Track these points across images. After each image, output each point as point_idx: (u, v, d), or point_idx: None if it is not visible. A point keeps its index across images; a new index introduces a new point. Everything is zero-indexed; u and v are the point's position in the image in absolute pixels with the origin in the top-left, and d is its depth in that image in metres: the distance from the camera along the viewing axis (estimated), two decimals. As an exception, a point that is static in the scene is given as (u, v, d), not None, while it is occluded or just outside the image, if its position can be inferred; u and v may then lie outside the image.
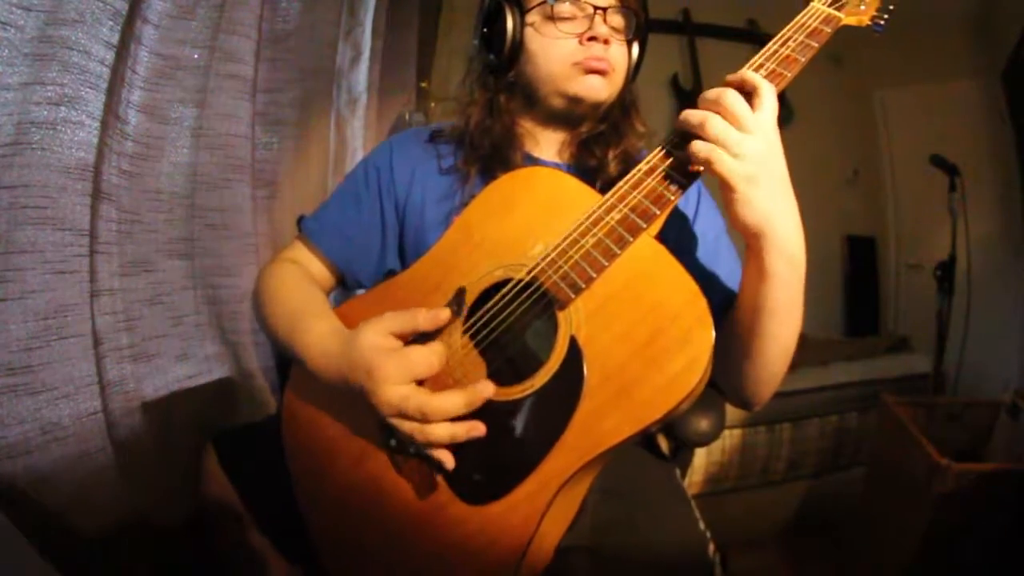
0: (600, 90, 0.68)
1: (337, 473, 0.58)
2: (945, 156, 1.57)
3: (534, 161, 0.73)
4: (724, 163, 0.48)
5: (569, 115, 0.71)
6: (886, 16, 0.62)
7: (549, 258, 0.52)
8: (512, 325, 0.54)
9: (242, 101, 0.88)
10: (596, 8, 0.66)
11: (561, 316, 0.51)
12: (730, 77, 0.53)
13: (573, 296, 0.50)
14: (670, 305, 0.47)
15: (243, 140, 0.89)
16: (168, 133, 0.83)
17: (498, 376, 0.53)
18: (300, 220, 0.76)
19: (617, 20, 0.69)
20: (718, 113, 0.50)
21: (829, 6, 0.59)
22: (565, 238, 0.53)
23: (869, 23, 0.62)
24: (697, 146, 0.50)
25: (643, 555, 0.57)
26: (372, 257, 0.73)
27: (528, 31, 0.69)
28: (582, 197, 0.55)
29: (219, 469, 0.66)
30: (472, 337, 0.55)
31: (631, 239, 0.50)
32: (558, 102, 0.70)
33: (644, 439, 0.83)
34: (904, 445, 1.27)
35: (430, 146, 0.75)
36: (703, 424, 0.79)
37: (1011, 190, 2.01)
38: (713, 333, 0.45)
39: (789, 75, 0.54)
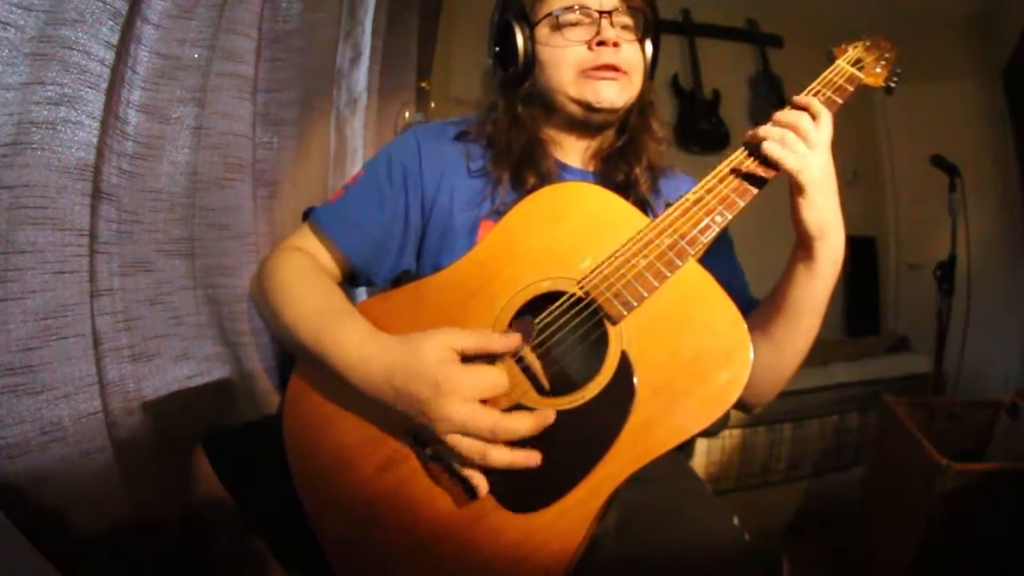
0: (615, 95, 0.68)
1: (357, 481, 0.56)
2: (945, 156, 1.57)
3: (563, 167, 0.73)
4: (804, 168, 0.56)
5: (588, 122, 0.71)
6: (895, 80, 0.72)
7: (602, 274, 0.55)
8: (563, 338, 0.56)
9: (243, 101, 0.88)
10: (601, 12, 0.66)
11: (612, 331, 0.53)
12: (796, 99, 0.61)
13: (625, 313, 0.53)
14: (715, 327, 0.52)
15: (243, 140, 0.89)
16: (168, 133, 0.83)
17: (545, 387, 0.54)
18: (310, 211, 0.74)
19: (625, 21, 0.69)
20: (791, 130, 0.57)
21: (852, 65, 0.68)
22: (617, 256, 0.55)
23: (883, 84, 0.71)
24: (775, 149, 0.56)
25: (674, 534, 0.56)
26: (390, 256, 0.71)
27: (539, 44, 0.69)
28: (629, 217, 0.59)
29: (210, 470, 0.65)
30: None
31: (680, 263, 0.54)
32: (575, 109, 0.69)
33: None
34: (904, 445, 1.27)
35: (458, 145, 0.74)
36: None
37: (1011, 190, 2.02)
38: (752, 355, 0.50)
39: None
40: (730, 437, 1.71)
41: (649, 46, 0.72)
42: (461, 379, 0.50)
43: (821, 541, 1.61)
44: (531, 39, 0.69)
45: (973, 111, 2.15)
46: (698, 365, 0.50)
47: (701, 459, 1.67)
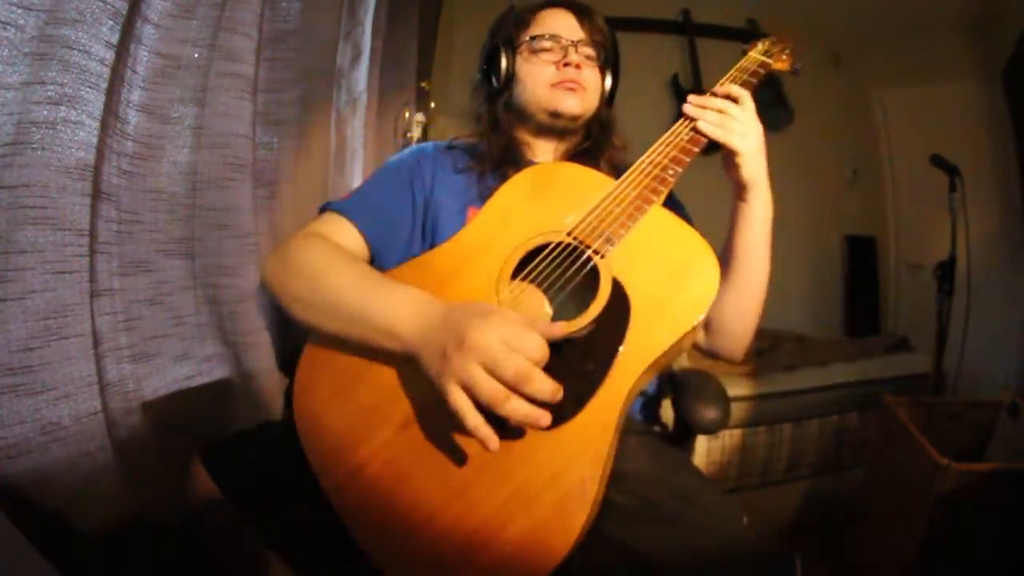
0: (574, 105, 0.83)
1: (380, 444, 0.57)
2: (945, 156, 1.57)
3: (535, 164, 0.85)
4: (737, 140, 0.70)
5: (553, 127, 0.86)
6: (799, 64, 0.88)
7: (586, 221, 0.66)
8: (557, 278, 0.64)
9: (243, 100, 0.88)
10: (569, 41, 0.84)
11: (602, 264, 0.63)
12: (717, 89, 0.77)
13: (611, 248, 0.63)
14: (685, 247, 0.64)
15: (243, 139, 0.89)
16: (168, 133, 0.83)
17: (551, 316, 0.62)
18: (325, 206, 0.79)
19: (587, 52, 0.86)
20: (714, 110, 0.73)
21: (762, 54, 0.86)
22: (596, 207, 0.67)
23: (789, 69, 0.88)
24: (709, 125, 0.71)
25: (685, 534, 0.57)
26: (402, 241, 0.81)
27: (518, 63, 0.86)
28: (600, 181, 0.72)
29: (208, 480, 0.65)
30: (525, 287, 0.63)
31: (647, 207, 0.66)
32: (543, 117, 0.85)
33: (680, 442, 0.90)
34: (904, 445, 1.27)
35: (448, 152, 0.89)
36: (711, 412, 0.84)
37: (1011, 190, 2.02)
38: (716, 260, 0.62)
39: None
40: (730, 437, 1.71)
41: (609, 79, 0.89)
42: (513, 326, 0.52)
43: (821, 541, 1.61)
44: (513, 60, 0.86)
45: (973, 111, 2.15)
46: (678, 274, 0.62)
47: (701, 459, 1.67)
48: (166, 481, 0.76)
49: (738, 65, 0.83)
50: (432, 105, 1.89)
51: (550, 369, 0.52)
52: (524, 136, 0.89)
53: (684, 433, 0.90)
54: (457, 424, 0.51)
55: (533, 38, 0.85)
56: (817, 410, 1.79)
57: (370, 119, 1.47)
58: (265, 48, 0.96)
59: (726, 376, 1.62)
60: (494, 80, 0.87)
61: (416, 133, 1.64)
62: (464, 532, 0.52)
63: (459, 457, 0.54)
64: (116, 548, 0.69)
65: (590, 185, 0.71)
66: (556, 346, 0.54)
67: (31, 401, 0.60)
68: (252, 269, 0.91)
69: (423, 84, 1.88)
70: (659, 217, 0.66)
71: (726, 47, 2.48)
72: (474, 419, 0.50)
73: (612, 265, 0.62)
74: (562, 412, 0.52)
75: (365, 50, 1.42)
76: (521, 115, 0.87)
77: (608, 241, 0.64)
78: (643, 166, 0.71)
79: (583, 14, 0.86)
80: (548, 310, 0.63)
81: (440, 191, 0.83)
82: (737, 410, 1.68)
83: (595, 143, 0.88)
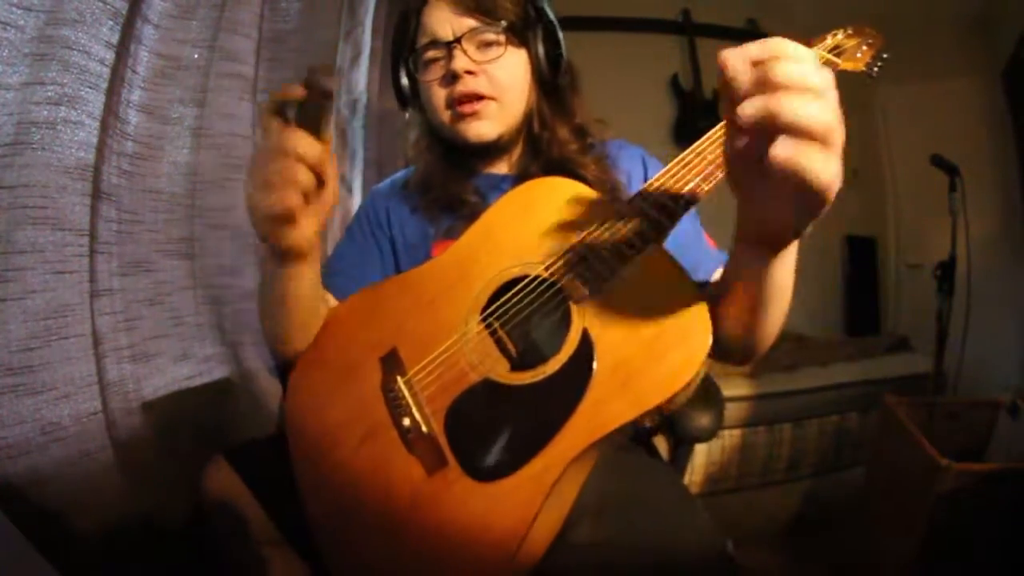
0: (485, 128, 0.68)
1: (340, 456, 0.58)
2: (945, 156, 1.57)
3: (489, 177, 0.76)
4: (830, 181, 0.37)
5: (481, 153, 0.72)
6: (880, 64, 0.67)
7: (566, 257, 0.56)
8: (528, 317, 0.57)
9: (243, 101, 0.88)
10: (449, 43, 0.65)
11: (575, 310, 0.55)
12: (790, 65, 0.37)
13: (587, 293, 0.54)
14: (674, 306, 0.51)
15: (244, 140, 0.89)
16: (168, 133, 0.83)
17: (511, 363, 0.56)
18: None
19: (485, 38, 0.66)
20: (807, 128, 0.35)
21: (829, 52, 0.64)
22: (581, 240, 0.57)
23: (864, 68, 0.66)
24: (797, 158, 0.35)
25: (655, 557, 0.56)
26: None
27: (420, 84, 0.70)
28: (596, 206, 0.60)
29: (226, 479, 0.63)
30: (488, 326, 0.58)
31: (641, 247, 0.54)
32: (461, 146, 0.70)
33: (644, 443, 0.84)
34: (904, 445, 1.27)
35: (402, 194, 0.78)
36: (704, 420, 0.81)
37: (1011, 190, 2.02)
38: (711, 337, 0.49)
39: None
40: (730, 437, 1.71)
41: (540, 48, 0.69)
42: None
43: (821, 541, 1.61)
44: (411, 77, 0.71)
45: (973, 111, 2.15)
46: (656, 344, 0.51)
47: (701, 459, 1.67)
48: (166, 481, 0.76)
49: None
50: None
51: (499, 416, 0.53)
52: (465, 160, 0.75)
53: (679, 442, 0.88)
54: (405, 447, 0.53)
55: (418, 49, 0.69)
56: (817, 410, 1.78)
57: (370, 119, 1.47)
58: (265, 48, 0.97)
59: (725, 376, 1.62)
60: (400, 104, 0.75)
61: (415, 133, 1.63)
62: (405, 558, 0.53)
63: (404, 485, 0.54)
64: (116, 548, 0.69)
65: (586, 209, 0.60)
66: (508, 393, 0.54)
67: (31, 401, 0.60)
68: (252, 269, 0.91)
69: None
70: (656, 262, 0.54)
71: (726, 47, 2.49)
72: None
73: (586, 313, 0.54)
74: (499, 466, 0.52)
75: (365, 50, 1.42)
76: (448, 142, 0.73)
77: (586, 284, 0.54)
78: (653, 190, 0.56)
79: None
80: (510, 352, 0.57)
81: (401, 234, 0.76)
82: (737, 410, 1.68)
83: (533, 145, 0.73)
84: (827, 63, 0.62)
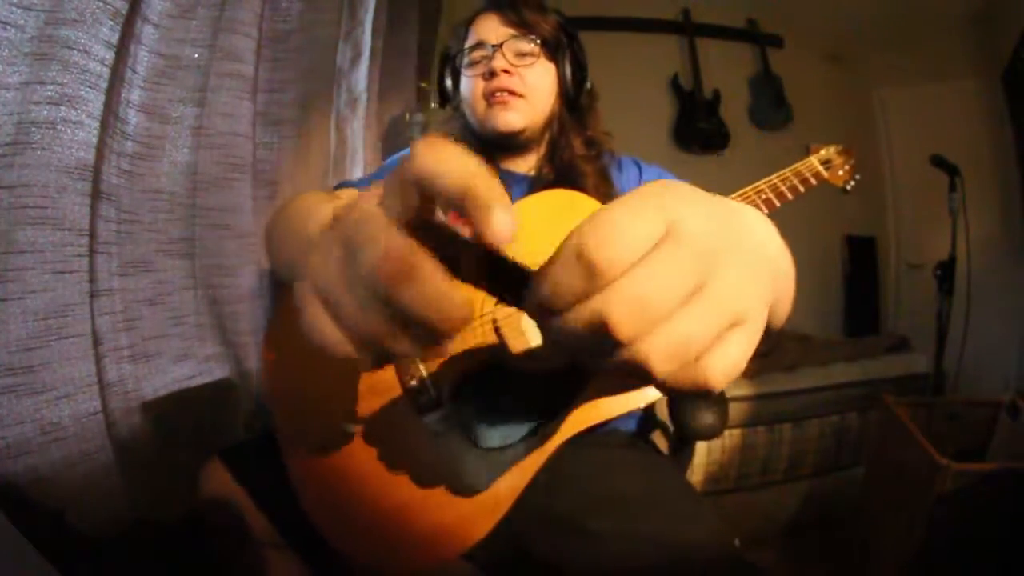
0: (512, 120, 0.76)
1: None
2: (945, 156, 1.57)
3: (507, 173, 0.82)
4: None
5: (508, 144, 0.80)
6: (853, 182, 0.80)
7: None
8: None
9: (242, 100, 0.88)
10: (494, 46, 0.76)
11: None
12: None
13: None
14: None
15: (243, 139, 0.89)
16: (168, 133, 0.83)
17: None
18: (340, 184, 0.83)
19: (521, 48, 0.77)
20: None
21: (821, 164, 0.76)
22: None
23: (842, 184, 0.80)
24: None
25: (667, 551, 0.56)
26: None
27: (462, 80, 0.81)
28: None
29: (211, 481, 0.65)
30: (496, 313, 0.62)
31: None
32: (491, 136, 0.79)
33: (647, 441, 0.85)
34: (904, 445, 1.27)
35: None
36: (708, 418, 0.81)
37: (1011, 190, 2.01)
38: None
39: (777, 205, 0.69)
40: (730, 437, 1.71)
41: (568, 68, 0.79)
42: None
43: (821, 541, 1.61)
44: (456, 76, 0.81)
45: (973, 111, 2.15)
46: None
47: (701, 459, 1.67)
48: (166, 481, 0.76)
49: (794, 167, 0.74)
50: (432, 105, 1.89)
51: (502, 401, 0.56)
52: (492, 154, 0.82)
53: (681, 440, 0.88)
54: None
55: (463, 51, 0.80)
56: (817, 410, 1.78)
57: (370, 119, 1.47)
58: (265, 48, 0.96)
59: (726, 376, 1.61)
60: (442, 101, 0.84)
61: (416, 133, 1.64)
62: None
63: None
64: (116, 548, 0.69)
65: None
66: (509, 378, 0.57)
67: (31, 401, 0.60)
68: (252, 269, 0.91)
69: (423, 84, 1.88)
70: None
71: (726, 47, 2.48)
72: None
73: None
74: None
75: (365, 50, 1.42)
76: (475, 133, 0.82)
77: None
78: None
79: (508, 8, 0.78)
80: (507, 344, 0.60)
81: None
82: (737, 410, 1.68)
83: (551, 150, 0.81)
84: (816, 174, 0.75)
